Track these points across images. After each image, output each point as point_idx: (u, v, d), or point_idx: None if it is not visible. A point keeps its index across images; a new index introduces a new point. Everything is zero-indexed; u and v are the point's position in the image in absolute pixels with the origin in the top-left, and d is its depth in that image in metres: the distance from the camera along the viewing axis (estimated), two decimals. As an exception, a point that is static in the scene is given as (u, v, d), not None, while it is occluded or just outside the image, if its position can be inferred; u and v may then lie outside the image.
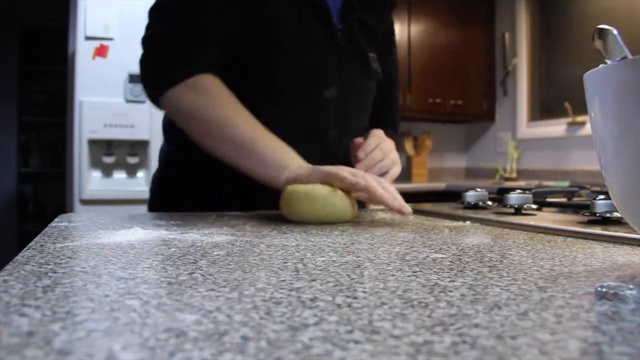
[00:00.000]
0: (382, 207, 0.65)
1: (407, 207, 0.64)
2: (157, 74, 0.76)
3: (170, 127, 0.88)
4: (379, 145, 0.78)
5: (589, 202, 0.60)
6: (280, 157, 0.71)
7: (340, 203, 0.64)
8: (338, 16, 0.85)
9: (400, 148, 0.95)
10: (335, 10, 0.84)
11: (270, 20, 0.77)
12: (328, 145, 0.84)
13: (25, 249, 0.41)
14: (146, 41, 0.78)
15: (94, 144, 2.20)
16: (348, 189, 0.65)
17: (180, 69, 0.74)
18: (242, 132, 0.72)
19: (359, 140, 0.80)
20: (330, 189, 0.64)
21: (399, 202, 0.64)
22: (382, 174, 0.77)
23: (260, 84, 0.80)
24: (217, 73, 0.76)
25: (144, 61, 0.78)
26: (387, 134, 0.86)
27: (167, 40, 0.76)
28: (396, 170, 0.80)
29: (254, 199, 0.82)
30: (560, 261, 0.38)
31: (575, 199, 0.86)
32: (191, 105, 0.74)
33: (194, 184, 0.85)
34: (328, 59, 0.82)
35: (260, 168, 0.71)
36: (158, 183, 0.93)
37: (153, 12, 0.80)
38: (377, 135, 0.81)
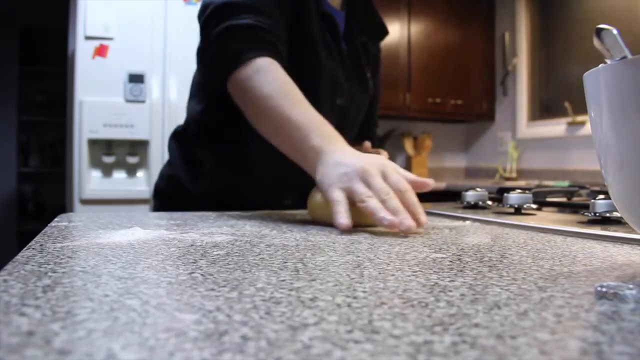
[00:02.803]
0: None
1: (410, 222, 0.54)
2: (227, 57, 0.76)
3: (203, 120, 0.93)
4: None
5: (589, 202, 0.60)
6: (314, 143, 0.66)
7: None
8: (342, 38, 0.95)
9: None
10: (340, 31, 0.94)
11: (305, 30, 0.85)
12: None
13: (25, 248, 0.41)
14: (223, 30, 0.77)
15: (93, 143, 2.20)
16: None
17: (245, 55, 0.74)
18: (283, 109, 0.69)
19: None
20: None
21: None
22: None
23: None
24: (279, 60, 0.76)
25: (217, 45, 0.78)
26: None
27: (242, 31, 0.76)
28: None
29: (278, 199, 0.90)
30: (560, 261, 0.38)
31: (575, 199, 0.86)
32: (247, 84, 0.74)
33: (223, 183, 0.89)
34: (339, 72, 0.92)
35: (298, 152, 0.68)
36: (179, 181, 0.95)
37: (222, 7, 0.79)
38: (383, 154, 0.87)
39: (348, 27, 0.96)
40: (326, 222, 0.61)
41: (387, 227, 0.54)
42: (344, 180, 0.59)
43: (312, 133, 0.66)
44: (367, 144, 0.93)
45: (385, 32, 1.05)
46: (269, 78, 0.73)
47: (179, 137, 0.97)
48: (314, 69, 0.87)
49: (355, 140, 1.04)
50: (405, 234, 0.53)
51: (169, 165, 0.98)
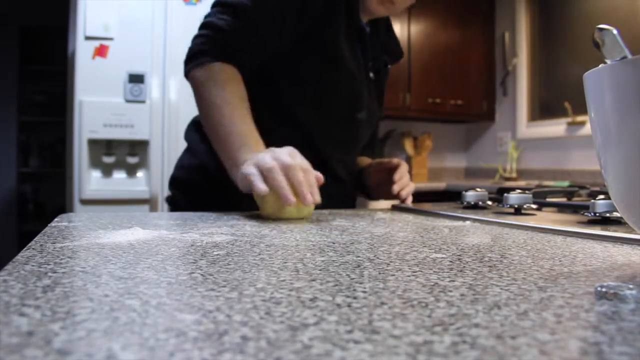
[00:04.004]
0: (382, 207, 0.65)
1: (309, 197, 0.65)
2: (192, 55, 0.84)
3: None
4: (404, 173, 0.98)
5: (589, 202, 0.60)
6: (238, 154, 0.74)
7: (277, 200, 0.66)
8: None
9: None
10: None
11: (332, 42, 0.89)
12: (352, 156, 1.03)
13: (25, 248, 0.41)
14: (201, 27, 0.86)
15: (93, 143, 2.20)
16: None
17: (208, 56, 0.82)
18: (220, 119, 0.78)
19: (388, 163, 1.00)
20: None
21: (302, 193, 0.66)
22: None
23: (312, 94, 0.91)
24: (240, 69, 0.84)
25: (192, 41, 0.86)
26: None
27: (211, 31, 0.83)
28: (412, 186, 1.01)
29: None
30: (560, 261, 0.38)
31: (575, 199, 0.86)
32: (200, 84, 0.82)
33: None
34: (363, 87, 0.97)
35: (227, 160, 0.77)
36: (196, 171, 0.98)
37: (218, 5, 0.86)
38: (402, 166, 1.00)
39: (371, 44, 1.00)
40: (276, 216, 0.68)
41: (287, 203, 0.64)
42: (256, 162, 0.67)
43: (240, 143, 0.75)
44: (394, 159, 1.04)
45: (400, 55, 1.11)
46: (218, 88, 0.80)
47: (202, 128, 0.97)
48: (337, 81, 0.92)
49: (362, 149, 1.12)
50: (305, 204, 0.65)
51: (192, 156, 0.97)
